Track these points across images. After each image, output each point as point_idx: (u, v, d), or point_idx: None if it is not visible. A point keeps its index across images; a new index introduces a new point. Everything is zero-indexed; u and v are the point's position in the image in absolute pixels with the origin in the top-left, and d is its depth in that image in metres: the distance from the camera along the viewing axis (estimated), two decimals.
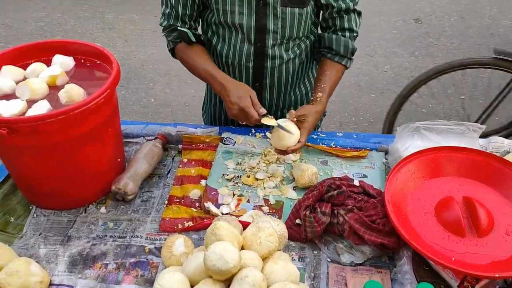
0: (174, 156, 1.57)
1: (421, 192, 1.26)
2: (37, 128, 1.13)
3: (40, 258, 1.22)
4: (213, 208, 1.34)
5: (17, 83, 1.31)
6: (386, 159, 1.52)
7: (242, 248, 1.10)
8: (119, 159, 1.44)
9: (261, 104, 1.41)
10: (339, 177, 1.38)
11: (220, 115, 1.76)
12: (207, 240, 1.08)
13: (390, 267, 1.19)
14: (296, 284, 1.02)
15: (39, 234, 1.29)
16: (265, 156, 1.54)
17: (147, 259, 1.22)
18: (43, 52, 1.41)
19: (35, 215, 1.36)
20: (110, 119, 1.32)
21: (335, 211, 1.24)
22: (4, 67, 1.33)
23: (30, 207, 1.38)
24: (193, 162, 1.53)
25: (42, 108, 1.19)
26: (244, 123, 1.43)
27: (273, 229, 1.13)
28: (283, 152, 1.40)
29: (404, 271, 1.12)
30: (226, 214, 1.33)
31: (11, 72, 1.33)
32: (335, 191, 1.27)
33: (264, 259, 1.09)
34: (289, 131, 1.35)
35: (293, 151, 1.38)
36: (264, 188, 1.43)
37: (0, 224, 1.33)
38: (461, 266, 1.04)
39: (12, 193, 1.43)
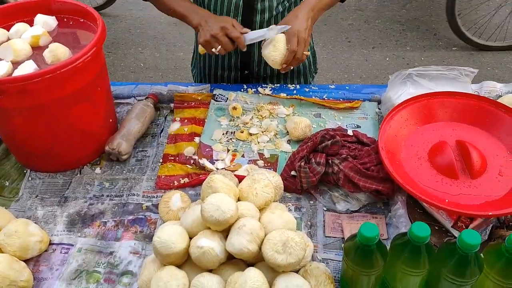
0: (166, 115, 1.56)
1: (414, 138, 1.27)
2: (24, 88, 1.11)
3: (38, 219, 1.23)
4: (208, 164, 1.34)
5: (1, 44, 1.27)
6: (379, 109, 1.52)
7: (239, 200, 1.11)
8: (110, 120, 1.43)
9: (249, 61, 1.37)
10: (332, 128, 1.38)
11: (210, 69, 1.72)
12: (204, 193, 1.08)
13: (385, 213, 1.21)
14: (294, 231, 1.03)
15: (36, 196, 1.29)
16: (258, 111, 1.53)
17: (145, 215, 1.23)
18: (25, 12, 1.37)
19: (30, 178, 1.35)
20: (98, 79, 1.29)
21: (330, 161, 1.25)
22: None
23: (25, 171, 1.37)
24: (186, 121, 1.52)
25: (28, 68, 1.17)
26: (217, 49, 1.38)
27: (268, 181, 1.13)
28: (283, 69, 1.41)
29: (399, 215, 1.14)
30: (221, 169, 1.33)
31: None
32: (329, 141, 1.28)
33: (261, 210, 1.09)
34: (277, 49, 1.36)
35: (286, 63, 1.38)
36: (258, 142, 1.43)
37: None
38: (455, 207, 1.06)
39: (5, 158, 1.42)
